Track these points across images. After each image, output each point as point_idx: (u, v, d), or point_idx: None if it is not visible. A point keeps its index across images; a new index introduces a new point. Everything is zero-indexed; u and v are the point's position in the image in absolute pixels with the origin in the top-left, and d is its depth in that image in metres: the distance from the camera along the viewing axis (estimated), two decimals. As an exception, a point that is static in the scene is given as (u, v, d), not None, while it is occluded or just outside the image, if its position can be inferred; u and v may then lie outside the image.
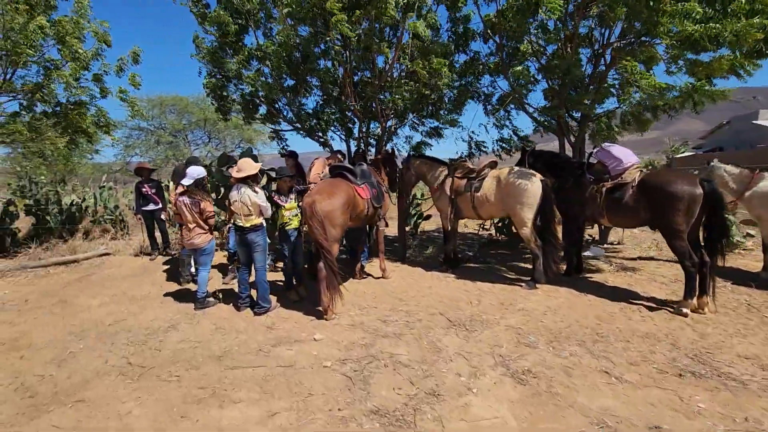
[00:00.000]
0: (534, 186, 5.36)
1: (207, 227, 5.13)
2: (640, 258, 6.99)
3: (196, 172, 5.05)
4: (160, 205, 7.58)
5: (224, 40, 6.39)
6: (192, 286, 6.18)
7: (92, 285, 6.46)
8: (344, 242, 6.76)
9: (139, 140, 31.34)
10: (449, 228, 6.38)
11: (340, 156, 6.56)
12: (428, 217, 10.01)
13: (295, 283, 5.43)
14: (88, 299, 5.82)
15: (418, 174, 6.71)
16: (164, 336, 4.53)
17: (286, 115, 7.60)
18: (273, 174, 5.98)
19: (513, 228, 8.09)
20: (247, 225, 4.95)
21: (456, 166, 6.25)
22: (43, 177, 22.82)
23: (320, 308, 5.05)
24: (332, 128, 7.83)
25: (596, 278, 5.90)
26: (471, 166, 6.13)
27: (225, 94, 7.42)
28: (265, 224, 5.28)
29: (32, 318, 5.22)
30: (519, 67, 5.83)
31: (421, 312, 4.92)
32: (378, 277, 6.22)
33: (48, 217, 9.72)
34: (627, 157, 5.03)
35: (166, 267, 7.24)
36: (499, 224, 8.82)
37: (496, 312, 4.85)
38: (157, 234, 7.80)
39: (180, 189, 5.75)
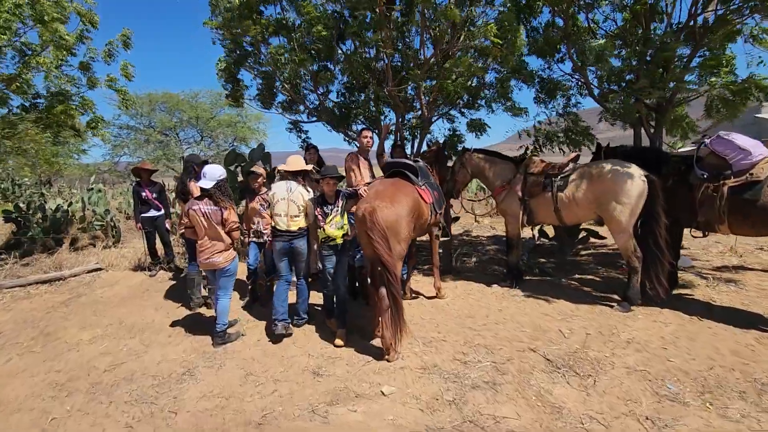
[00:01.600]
0: (637, 182, 4.35)
1: (231, 241, 4.04)
2: (726, 267, 6.02)
3: (217, 172, 3.95)
4: (163, 211, 6.45)
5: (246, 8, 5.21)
6: (205, 311, 5.09)
7: (81, 310, 5.32)
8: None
9: (128, 139, 29.86)
10: (517, 235, 5.35)
11: (366, 136, 5.06)
12: (456, 218, 9.02)
13: (333, 319, 4.33)
14: (76, 331, 4.69)
15: (475, 171, 5.66)
16: (178, 388, 3.44)
17: (310, 102, 6.48)
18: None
19: (548, 229, 7.11)
20: (294, 228, 4.17)
21: (528, 161, 5.22)
22: (26, 178, 21.39)
23: (374, 342, 4.02)
24: (360, 119, 6.76)
25: (697, 295, 4.91)
26: (549, 162, 5.10)
27: (239, 77, 6.27)
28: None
29: (5, 360, 4.09)
30: (601, 41, 4.79)
31: (505, 347, 3.88)
32: (431, 297, 5.18)
33: (30, 225, 8.52)
34: (756, 147, 4.04)
35: (169, 285, 6.11)
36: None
37: (600, 345, 3.83)
38: (159, 246, 6.67)
39: (196, 193, 4.67)
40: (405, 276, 5.65)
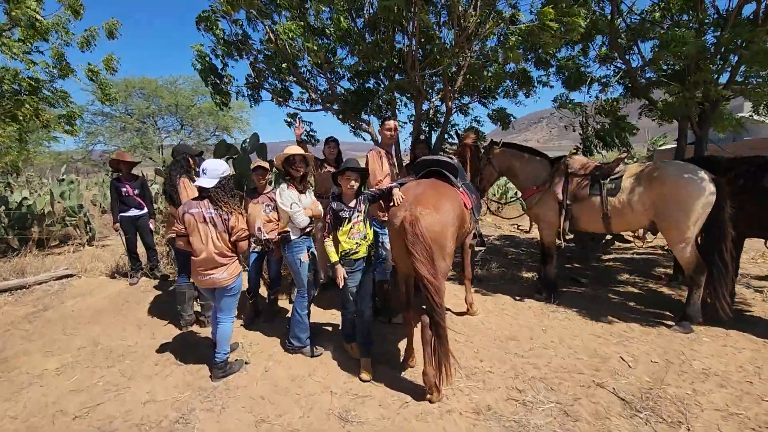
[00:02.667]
0: (706, 188, 3.79)
1: (235, 254, 3.31)
2: (769, 277, 5.58)
3: (219, 168, 3.20)
4: (145, 210, 5.63)
5: None
6: (198, 330, 4.35)
7: (48, 328, 4.50)
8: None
9: (103, 126, 28.33)
10: (553, 243, 4.76)
11: (391, 128, 4.24)
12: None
13: (354, 343, 3.68)
14: (40, 358, 3.88)
15: (503, 168, 5.02)
16: (172, 443, 2.72)
17: (315, 88, 5.70)
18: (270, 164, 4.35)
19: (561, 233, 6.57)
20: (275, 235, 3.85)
21: (570, 160, 4.59)
22: (-9, 167, 19.89)
23: (407, 375, 3.38)
24: (370, 109, 6.05)
25: (756, 312, 4.42)
26: (595, 162, 4.49)
27: (222, 71, 5.47)
28: (294, 236, 3.66)
29: (-53, 400, 3.27)
30: (681, 31, 4.15)
31: (565, 380, 3.28)
32: (460, 313, 4.54)
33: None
34: None
35: (153, 296, 5.31)
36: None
37: (675, 378, 3.27)
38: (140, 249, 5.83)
39: (185, 193, 3.92)
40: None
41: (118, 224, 5.51)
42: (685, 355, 3.61)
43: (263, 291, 4.86)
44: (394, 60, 5.23)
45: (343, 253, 3.39)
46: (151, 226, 5.69)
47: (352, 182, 3.39)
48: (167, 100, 29.87)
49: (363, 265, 3.43)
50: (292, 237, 3.63)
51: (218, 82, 5.75)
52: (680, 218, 3.87)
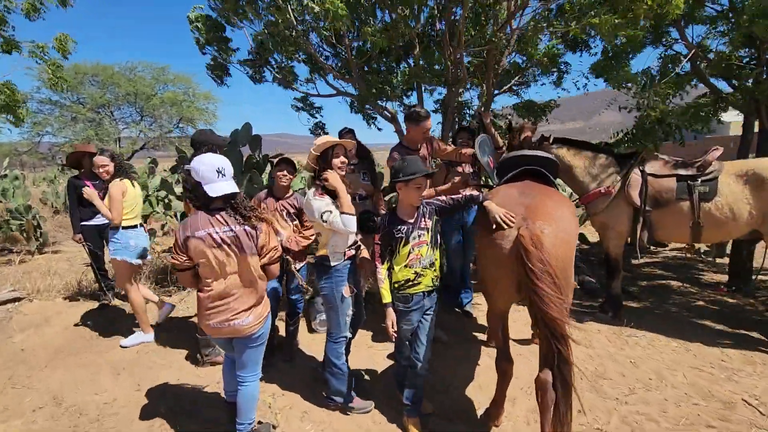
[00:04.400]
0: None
1: (264, 283, 2.36)
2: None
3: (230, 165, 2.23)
4: (115, 218, 4.50)
5: None
6: (195, 374, 3.35)
7: (-12, 378, 3.38)
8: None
9: (52, 116, 25.73)
10: (620, 255, 4.07)
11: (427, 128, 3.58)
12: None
13: (410, 401, 2.72)
14: (-23, 428, 2.80)
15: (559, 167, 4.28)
16: None
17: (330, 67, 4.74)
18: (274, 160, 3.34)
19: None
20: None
21: (648, 156, 3.88)
22: None
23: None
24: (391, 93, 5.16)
25: None
26: (678, 159, 3.80)
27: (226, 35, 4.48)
28: (336, 262, 2.68)
29: None
30: None
31: (699, 440, 2.57)
32: (524, 341, 3.78)
33: None
34: None
35: (130, 324, 4.22)
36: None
37: (826, 430, 2.63)
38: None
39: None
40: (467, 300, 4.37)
41: (80, 235, 4.36)
42: (813, 392, 2.99)
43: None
44: (426, 33, 4.37)
45: (396, 285, 2.52)
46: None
47: (421, 187, 2.52)
48: (125, 89, 27.67)
49: (423, 302, 2.56)
50: (333, 263, 2.69)
51: (219, 50, 4.74)
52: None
